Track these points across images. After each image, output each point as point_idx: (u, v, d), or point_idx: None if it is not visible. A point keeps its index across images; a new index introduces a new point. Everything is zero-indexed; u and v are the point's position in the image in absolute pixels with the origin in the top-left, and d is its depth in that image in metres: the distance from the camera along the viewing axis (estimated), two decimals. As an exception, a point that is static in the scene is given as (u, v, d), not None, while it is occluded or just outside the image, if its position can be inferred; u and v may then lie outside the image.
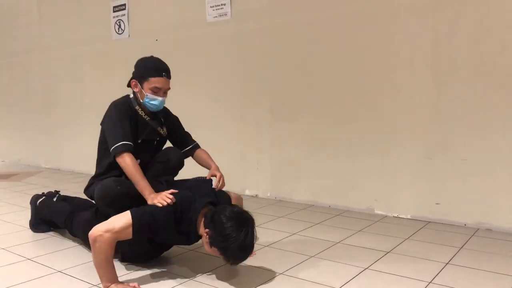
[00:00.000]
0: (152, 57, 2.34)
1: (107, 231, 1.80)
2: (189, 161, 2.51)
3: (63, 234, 2.73)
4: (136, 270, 2.12)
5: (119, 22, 4.75)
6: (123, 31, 4.72)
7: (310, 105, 3.45)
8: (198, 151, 2.52)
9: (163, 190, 2.05)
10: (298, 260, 2.24)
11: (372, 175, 3.19)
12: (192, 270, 2.13)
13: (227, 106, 3.95)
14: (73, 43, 5.27)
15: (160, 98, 2.26)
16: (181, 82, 4.19)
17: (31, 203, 2.84)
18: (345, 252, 2.38)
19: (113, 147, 2.15)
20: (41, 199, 2.79)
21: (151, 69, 2.25)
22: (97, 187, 2.21)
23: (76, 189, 3.94)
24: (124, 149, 2.13)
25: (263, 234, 2.69)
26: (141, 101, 2.29)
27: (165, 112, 2.47)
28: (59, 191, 2.90)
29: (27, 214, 2.93)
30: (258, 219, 3.03)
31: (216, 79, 4.01)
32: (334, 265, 2.17)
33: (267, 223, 2.98)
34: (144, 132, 2.32)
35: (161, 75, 2.24)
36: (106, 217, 1.96)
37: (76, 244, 2.55)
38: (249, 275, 2.06)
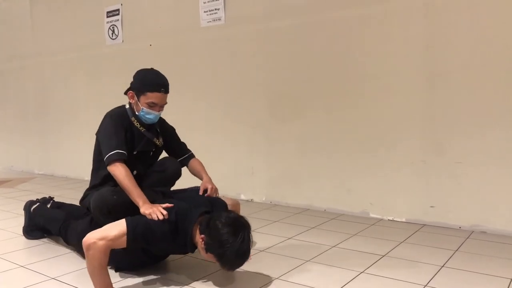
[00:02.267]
0: (152, 70, 2.31)
1: (101, 239, 1.78)
2: (186, 171, 2.51)
3: (56, 241, 2.71)
4: (130, 277, 2.11)
5: (112, 27, 4.75)
6: (117, 36, 4.71)
7: (305, 109, 3.46)
8: (192, 161, 2.51)
9: (158, 200, 2.04)
10: (294, 265, 2.23)
11: (367, 178, 3.19)
12: (188, 276, 2.12)
13: (221, 111, 3.95)
14: (67, 48, 5.26)
15: (155, 113, 2.25)
16: (175, 87, 4.18)
17: (24, 209, 2.82)
18: (341, 256, 2.38)
19: (106, 156, 2.14)
20: (35, 206, 2.77)
21: (149, 83, 2.23)
22: (93, 197, 2.19)
23: (70, 195, 3.92)
24: (117, 158, 2.12)
25: (258, 238, 2.68)
26: (136, 113, 2.28)
27: (161, 122, 2.46)
28: (53, 198, 2.88)
29: (20, 221, 2.90)
30: (253, 224, 3.01)
31: (210, 84, 4.01)
32: (330, 269, 2.17)
33: (263, 227, 2.97)
34: (140, 143, 2.30)
35: (159, 91, 2.22)
36: (101, 227, 1.94)
37: (70, 251, 2.53)
38: (245, 280, 2.05)
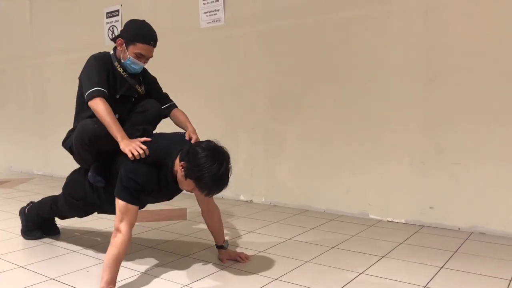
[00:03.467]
0: (144, 21, 2.35)
1: (117, 229, 1.89)
2: (170, 123, 2.47)
3: (55, 241, 2.70)
4: (129, 277, 2.11)
5: (112, 28, 4.75)
6: (117, 37, 4.71)
7: (304, 110, 3.46)
8: (175, 111, 2.48)
9: (137, 137, 2.05)
10: (293, 266, 2.23)
11: (366, 180, 3.19)
12: (186, 277, 2.11)
13: (221, 111, 3.95)
14: (66, 49, 5.25)
15: (141, 64, 2.29)
16: (175, 88, 4.18)
17: (20, 214, 2.83)
18: (340, 257, 2.38)
19: (87, 93, 2.14)
20: (28, 207, 2.79)
21: (140, 34, 2.26)
22: (76, 128, 2.21)
23: (69, 196, 3.92)
24: (97, 94, 2.12)
25: (257, 239, 2.68)
26: (122, 61, 2.30)
27: (143, 71, 2.46)
28: None
29: (19, 222, 2.89)
30: (252, 225, 3.04)
31: (209, 85, 4.01)
32: (329, 270, 2.17)
33: (262, 228, 2.97)
34: (122, 88, 2.32)
35: (148, 43, 2.26)
36: (85, 171, 2.13)
37: (69, 251, 2.53)
38: (244, 281, 2.05)
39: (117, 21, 4.68)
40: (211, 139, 1.98)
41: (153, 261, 2.33)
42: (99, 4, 4.85)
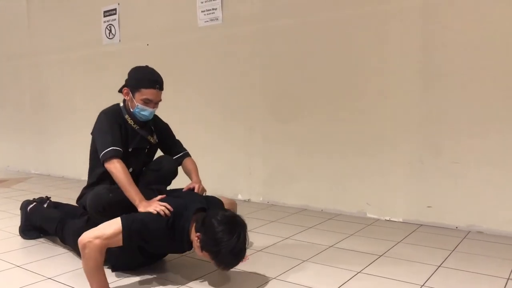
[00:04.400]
0: (147, 67, 2.32)
1: (96, 238, 1.77)
2: (183, 172, 2.50)
3: (53, 241, 2.70)
4: (127, 277, 2.10)
5: (109, 26, 4.73)
6: (114, 35, 4.70)
7: (302, 109, 3.46)
8: (186, 160, 2.49)
9: (154, 198, 2.04)
10: (291, 265, 2.23)
11: (364, 179, 3.19)
12: (184, 276, 2.11)
13: (219, 111, 3.95)
14: (63, 47, 5.24)
15: (150, 110, 2.26)
16: (172, 87, 4.17)
17: (21, 208, 2.81)
18: (338, 256, 2.38)
19: (102, 153, 2.13)
20: (31, 205, 2.76)
21: (144, 80, 2.23)
22: (89, 195, 2.19)
23: (66, 195, 3.91)
24: (113, 155, 2.11)
25: (255, 238, 2.68)
26: (131, 110, 2.28)
27: (155, 119, 2.46)
28: (49, 197, 2.87)
29: (16, 221, 2.89)
30: (250, 224, 3.02)
31: (207, 84, 4.00)
32: (327, 269, 2.17)
33: (260, 227, 2.97)
34: (134, 140, 2.30)
35: (153, 87, 2.22)
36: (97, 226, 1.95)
37: (66, 251, 2.52)
38: (242, 280, 2.05)
39: (115, 19, 4.67)
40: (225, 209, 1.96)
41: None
42: (97, 2, 4.83)
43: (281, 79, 3.56)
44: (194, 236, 1.89)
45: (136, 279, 2.08)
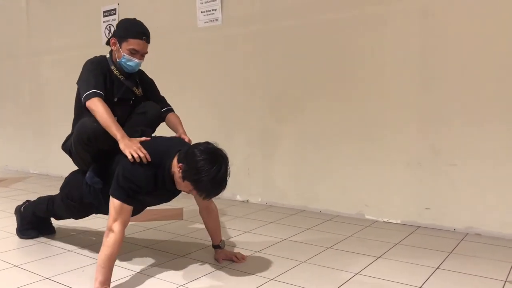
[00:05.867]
0: (135, 19, 2.36)
1: (112, 223, 1.88)
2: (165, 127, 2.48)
3: (50, 241, 2.69)
4: (126, 277, 2.10)
5: (109, 27, 4.73)
6: (114, 36, 4.70)
7: (301, 110, 3.46)
8: (170, 115, 2.50)
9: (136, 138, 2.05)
10: (289, 266, 2.23)
11: (362, 180, 3.20)
12: (183, 277, 2.11)
13: (218, 111, 3.95)
14: (63, 47, 5.24)
15: (136, 60, 2.29)
16: (172, 87, 4.18)
17: (15, 212, 2.81)
18: (336, 257, 2.38)
19: (84, 95, 2.13)
20: (24, 205, 2.77)
21: (131, 30, 2.27)
22: (76, 126, 2.20)
23: (64, 195, 3.90)
24: (95, 96, 2.12)
25: (254, 239, 2.68)
26: (117, 60, 2.30)
27: (140, 73, 2.47)
28: None
29: (14, 221, 2.88)
30: (249, 225, 3.03)
31: (207, 85, 4.00)
32: (325, 271, 2.17)
33: (258, 228, 2.97)
34: (119, 91, 2.32)
35: (140, 38, 2.26)
36: (83, 173, 2.13)
37: (64, 250, 2.52)
38: (240, 281, 2.05)
39: (114, 20, 4.67)
40: (209, 141, 1.97)
41: (148, 261, 2.33)
42: (96, 2, 4.83)
43: (280, 79, 3.56)
44: (176, 168, 1.90)
45: (134, 279, 2.08)
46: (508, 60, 2.63)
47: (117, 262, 1.95)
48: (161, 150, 2.00)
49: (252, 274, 2.12)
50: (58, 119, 5.38)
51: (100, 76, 2.23)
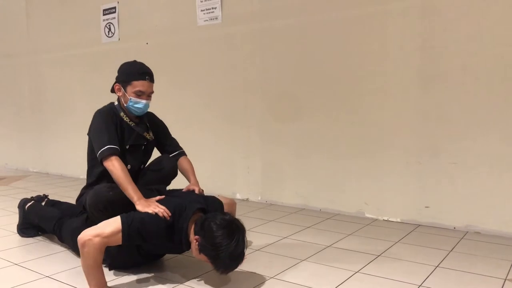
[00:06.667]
0: (135, 61, 2.34)
1: (96, 236, 1.77)
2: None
3: (51, 239, 2.69)
4: (124, 275, 2.10)
5: (109, 25, 4.73)
6: (113, 34, 4.70)
7: (301, 109, 3.46)
8: (182, 159, 2.49)
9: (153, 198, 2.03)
10: (289, 264, 2.24)
11: (362, 179, 3.20)
12: (182, 275, 2.11)
13: (217, 110, 3.95)
14: (62, 46, 5.23)
15: (144, 101, 2.26)
16: (171, 86, 4.18)
17: (19, 207, 2.80)
18: (336, 255, 2.38)
19: (99, 152, 2.13)
20: (29, 203, 2.75)
21: (134, 73, 2.25)
22: (89, 193, 2.18)
23: (64, 193, 3.90)
24: (110, 153, 2.11)
25: (254, 238, 2.68)
26: (125, 105, 2.28)
27: (150, 116, 2.47)
28: (47, 195, 2.86)
29: (14, 219, 2.88)
30: (248, 223, 3.03)
31: (206, 83, 4.00)
32: (325, 269, 2.18)
33: (258, 227, 2.97)
34: (130, 137, 2.30)
35: (144, 79, 2.24)
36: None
37: (64, 249, 2.52)
38: (240, 279, 2.05)
39: (114, 18, 4.66)
40: (225, 212, 1.94)
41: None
42: (96, 1, 4.82)
43: (280, 78, 3.56)
44: (193, 238, 1.88)
45: (134, 278, 2.08)
46: (508, 60, 2.63)
47: (117, 260, 1.94)
48: (178, 210, 1.95)
49: (252, 272, 2.12)
50: (58, 117, 5.38)
51: (111, 127, 2.21)
